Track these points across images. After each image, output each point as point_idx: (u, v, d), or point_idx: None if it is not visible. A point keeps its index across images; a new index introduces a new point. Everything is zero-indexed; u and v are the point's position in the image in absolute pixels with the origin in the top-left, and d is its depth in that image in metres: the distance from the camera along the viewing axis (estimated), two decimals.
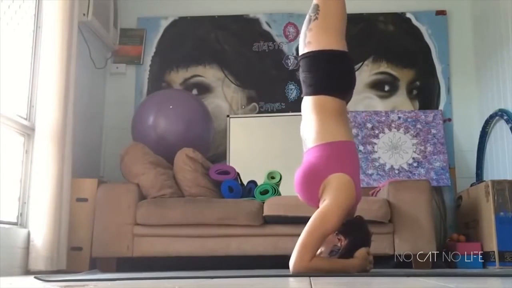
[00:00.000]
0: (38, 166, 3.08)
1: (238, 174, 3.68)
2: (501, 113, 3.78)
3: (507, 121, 3.68)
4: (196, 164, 3.54)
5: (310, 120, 2.38)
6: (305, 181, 2.30)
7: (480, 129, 4.06)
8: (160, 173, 3.49)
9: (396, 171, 4.13)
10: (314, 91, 2.39)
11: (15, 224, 3.06)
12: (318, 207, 2.24)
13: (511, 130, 3.64)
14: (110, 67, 4.44)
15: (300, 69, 2.47)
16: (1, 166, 2.90)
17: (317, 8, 2.43)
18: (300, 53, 2.46)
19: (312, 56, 2.40)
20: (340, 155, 2.29)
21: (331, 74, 2.40)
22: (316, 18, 2.41)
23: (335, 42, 2.39)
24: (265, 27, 4.50)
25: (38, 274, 2.76)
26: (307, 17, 2.45)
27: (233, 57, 4.47)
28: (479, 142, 4.08)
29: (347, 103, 2.47)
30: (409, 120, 4.24)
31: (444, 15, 4.43)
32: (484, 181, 3.55)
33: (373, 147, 4.19)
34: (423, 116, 4.24)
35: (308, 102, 2.41)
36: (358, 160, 2.44)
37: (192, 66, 4.46)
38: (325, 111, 2.35)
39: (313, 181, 2.26)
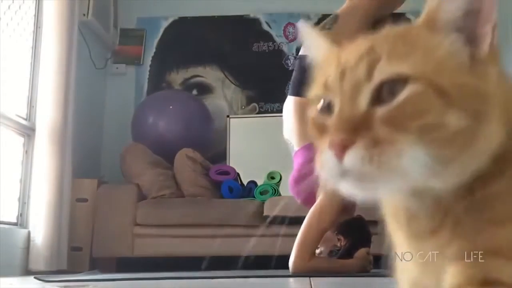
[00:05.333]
0: (38, 166, 3.08)
1: (238, 174, 3.68)
2: None
3: None
4: (195, 164, 3.54)
5: (290, 123, 2.37)
6: (298, 183, 2.30)
7: None
8: (160, 173, 3.49)
9: None
10: (298, 92, 2.38)
11: (15, 224, 3.06)
12: None
13: None
14: (110, 67, 4.44)
15: (294, 68, 2.47)
16: (1, 166, 2.91)
17: (335, 19, 2.39)
18: (301, 53, 2.45)
19: (307, 61, 2.38)
20: None
21: None
22: (329, 28, 2.39)
23: None
24: (265, 27, 4.50)
25: (38, 274, 2.76)
26: (322, 23, 2.42)
27: (233, 57, 4.46)
28: None
29: None
30: None
31: None
32: None
33: None
34: None
35: (289, 102, 2.41)
36: None
37: (192, 67, 4.46)
38: (305, 113, 2.34)
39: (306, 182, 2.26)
